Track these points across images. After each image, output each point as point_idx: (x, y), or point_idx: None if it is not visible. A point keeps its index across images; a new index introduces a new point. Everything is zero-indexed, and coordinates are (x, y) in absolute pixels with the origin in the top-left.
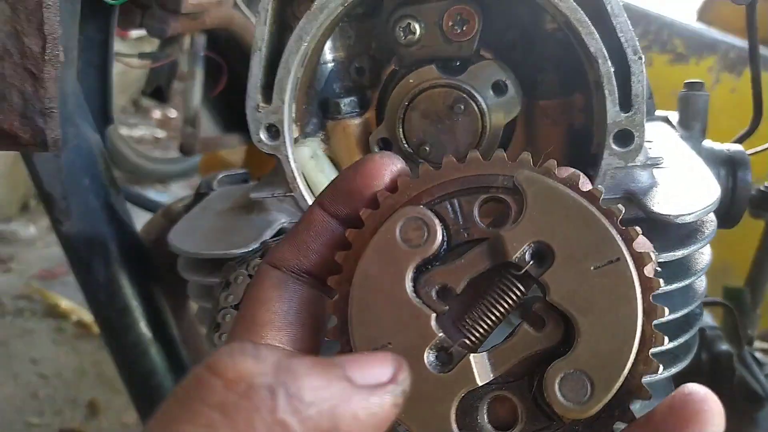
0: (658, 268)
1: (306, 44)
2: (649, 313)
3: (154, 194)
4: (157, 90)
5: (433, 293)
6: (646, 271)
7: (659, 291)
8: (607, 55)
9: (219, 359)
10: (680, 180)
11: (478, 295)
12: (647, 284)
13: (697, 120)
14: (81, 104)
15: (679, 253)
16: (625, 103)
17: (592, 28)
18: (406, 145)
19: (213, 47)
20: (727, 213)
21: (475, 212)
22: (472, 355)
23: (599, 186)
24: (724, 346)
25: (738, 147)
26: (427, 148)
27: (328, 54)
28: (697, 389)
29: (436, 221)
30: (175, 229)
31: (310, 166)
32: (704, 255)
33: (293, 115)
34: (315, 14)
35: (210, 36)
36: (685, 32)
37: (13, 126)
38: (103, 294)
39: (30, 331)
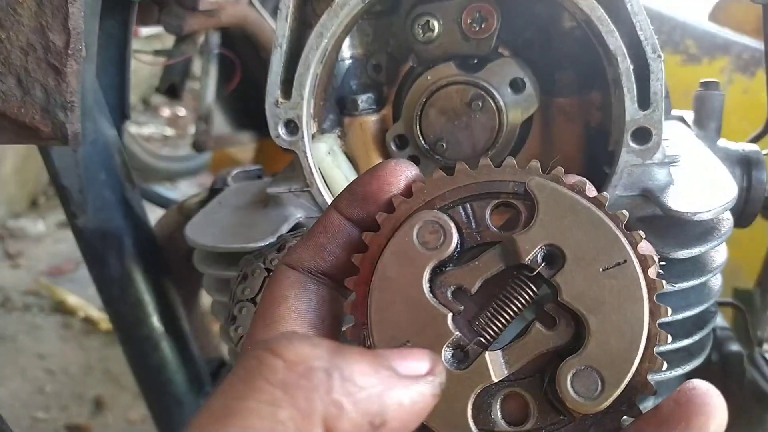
0: (661, 270)
1: (326, 41)
2: (654, 312)
3: (163, 191)
4: (171, 87)
5: (449, 294)
6: (650, 273)
7: (674, 288)
8: (626, 52)
9: (279, 343)
10: (697, 178)
11: (492, 296)
12: (652, 285)
13: (712, 119)
14: (99, 99)
15: (695, 251)
16: (644, 100)
17: (612, 26)
18: (422, 142)
19: (227, 45)
20: (742, 212)
21: (487, 216)
22: (487, 352)
23: (604, 192)
24: (735, 347)
25: (754, 147)
26: (444, 145)
27: (346, 51)
28: (701, 384)
29: (452, 224)
30: (191, 224)
31: (327, 162)
32: (720, 253)
33: (311, 111)
34: (336, 11)
35: (224, 34)
36: (698, 33)
37: (34, 120)
38: (117, 288)
39: (37, 327)
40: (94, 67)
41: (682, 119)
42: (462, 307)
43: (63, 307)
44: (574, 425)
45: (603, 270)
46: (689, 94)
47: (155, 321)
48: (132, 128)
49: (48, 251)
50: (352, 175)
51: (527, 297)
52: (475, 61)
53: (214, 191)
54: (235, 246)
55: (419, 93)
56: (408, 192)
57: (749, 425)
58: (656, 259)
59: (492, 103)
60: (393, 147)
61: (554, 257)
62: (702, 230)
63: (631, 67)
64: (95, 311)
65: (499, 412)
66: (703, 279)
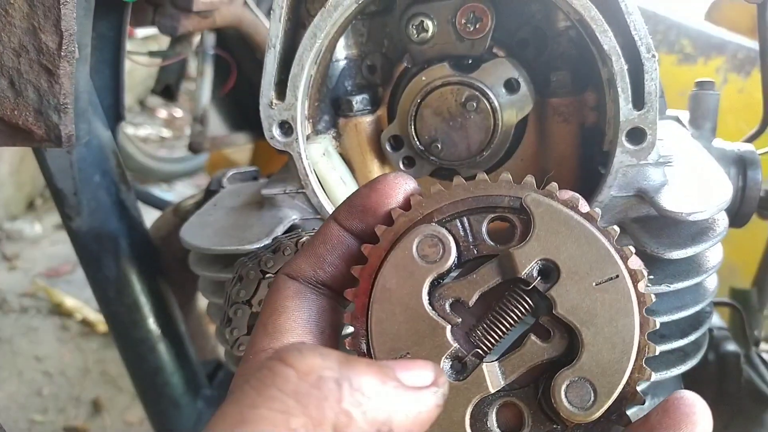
0: (649, 285)
1: (320, 41)
2: (644, 325)
3: (159, 193)
4: (166, 88)
5: (447, 306)
6: (640, 287)
7: (669, 289)
8: (620, 52)
9: (290, 353)
10: (692, 178)
11: (489, 308)
12: (642, 299)
13: (708, 119)
14: (93, 101)
15: (690, 251)
16: (638, 100)
17: (606, 25)
18: (417, 143)
19: (222, 46)
20: (737, 212)
21: (484, 230)
22: (484, 363)
23: (596, 208)
24: (732, 347)
25: (749, 146)
26: (439, 146)
27: (340, 52)
28: (687, 394)
29: (450, 238)
30: (186, 225)
31: (322, 163)
32: (715, 253)
33: (306, 112)
34: (329, 11)
35: (219, 35)
36: (693, 33)
37: (27, 121)
38: (113, 290)
39: (34, 329)
40: (88, 69)
41: (677, 119)
42: (460, 320)
43: (60, 309)
44: None
45: (596, 284)
46: (685, 94)
47: (151, 323)
48: (128, 130)
49: (45, 253)
50: (348, 176)
51: (523, 310)
52: (470, 62)
53: (209, 193)
54: (230, 248)
55: (414, 94)
56: (406, 205)
57: (746, 425)
58: (645, 274)
59: (487, 104)
60: (388, 148)
61: (549, 271)
62: (697, 230)
63: (626, 67)
64: (92, 313)
65: (495, 421)
66: (698, 279)
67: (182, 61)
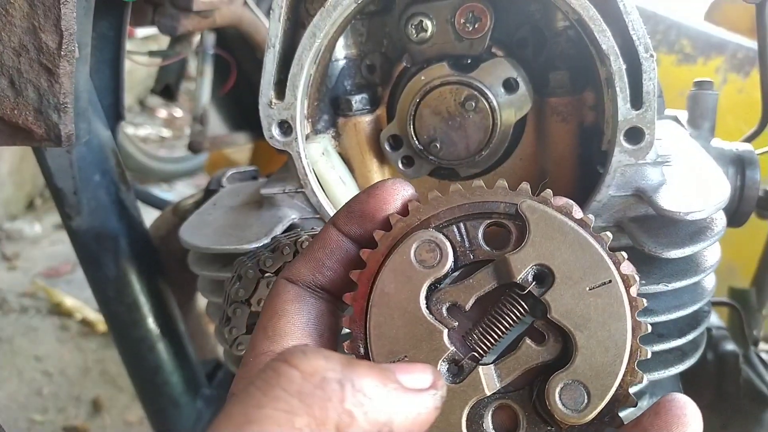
0: (644, 281)
1: (319, 41)
2: (636, 329)
3: (158, 193)
4: (166, 88)
5: (444, 310)
6: (632, 292)
7: (667, 288)
8: (619, 52)
9: (294, 355)
10: (690, 177)
11: (485, 312)
12: (634, 303)
13: (706, 119)
14: (93, 100)
15: (688, 250)
16: (636, 100)
17: (605, 25)
18: (416, 142)
19: (222, 45)
20: (736, 212)
21: (480, 236)
22: (480, 367)
23: (590, 215)
24: (731, 347)
25: (747, 146)
26: (438, 145)
27: (340, 51)
28: (679, 397)
29: (448, 244)
30: (186, 225)
31: (321, 163)
32: (713, 253)
33: (305, 111)
34: (329, 11)
35: (219, 34)
36: (693, 33)
37: (27, 121)
38: (112, 289)
39: (34, 329)
40: (88, 68)
41: (675, 119)
42: (456, 323)
43: (60, 308)
44: None
45: (590, 289)
46: (685, 94)
47: (151, 322)
48: (129, 129)
49: (45, 253)
50: (347, 176)
51: (518, 314)
52: (469, 61)
53: (208, 192)
54: (229, 247)
55: (413, 93)
56: (404, 210)
57: (745, 425)
58: (637, 279)
59: (485, 103)
60: (387, 147)
61: (544, 276)
62: (695, 230)
63: (624, 66)
64: (92, 313)
65: (490, 423)
66: (696, 278)
67: (182, 60)
